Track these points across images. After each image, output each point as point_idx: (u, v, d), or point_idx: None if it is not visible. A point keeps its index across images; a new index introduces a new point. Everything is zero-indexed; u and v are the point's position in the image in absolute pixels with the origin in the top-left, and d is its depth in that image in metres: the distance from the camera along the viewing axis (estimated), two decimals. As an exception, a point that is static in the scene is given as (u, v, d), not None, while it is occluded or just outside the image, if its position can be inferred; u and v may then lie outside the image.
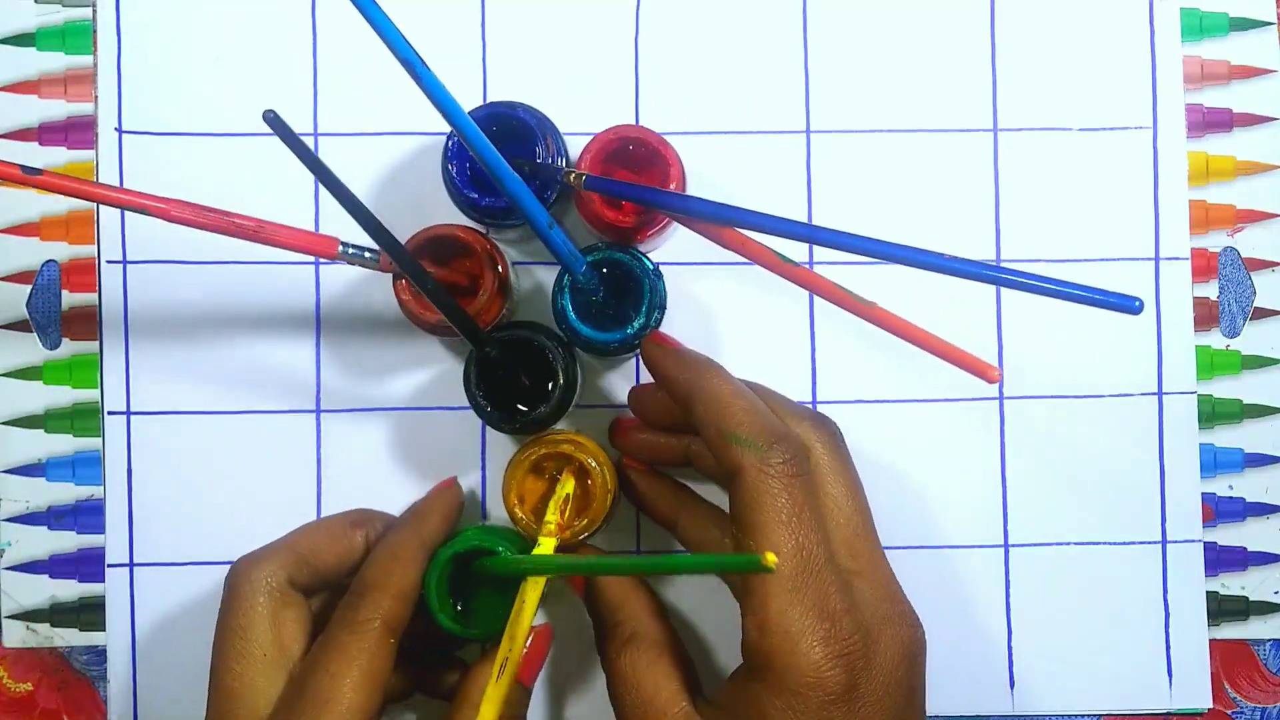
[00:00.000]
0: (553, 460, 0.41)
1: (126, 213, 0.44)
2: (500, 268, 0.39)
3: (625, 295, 0.40)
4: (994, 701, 0.44)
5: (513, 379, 0.40)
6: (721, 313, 0.44)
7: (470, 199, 0.40)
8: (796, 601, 0.34)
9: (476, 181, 0.40)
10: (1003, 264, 0.45)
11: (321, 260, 0.44)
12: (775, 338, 0.44)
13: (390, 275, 0.39)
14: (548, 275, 0.44)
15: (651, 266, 0.40)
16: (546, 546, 0.39)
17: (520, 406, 0.40)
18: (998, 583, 0.44)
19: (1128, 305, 0.31)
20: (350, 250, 0.37)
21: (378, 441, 0.44)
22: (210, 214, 0.36)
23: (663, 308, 0.40)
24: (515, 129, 0.40)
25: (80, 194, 0.34)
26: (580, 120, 0.44)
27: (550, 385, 0.40)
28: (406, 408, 0.44)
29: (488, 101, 0.41)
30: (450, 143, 0.40)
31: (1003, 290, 0.44)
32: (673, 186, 0.40)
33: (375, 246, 0.38)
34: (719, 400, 0.36)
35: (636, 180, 0.40)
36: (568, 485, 0.41)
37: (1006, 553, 0.44)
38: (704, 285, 0.44)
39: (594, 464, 0.40)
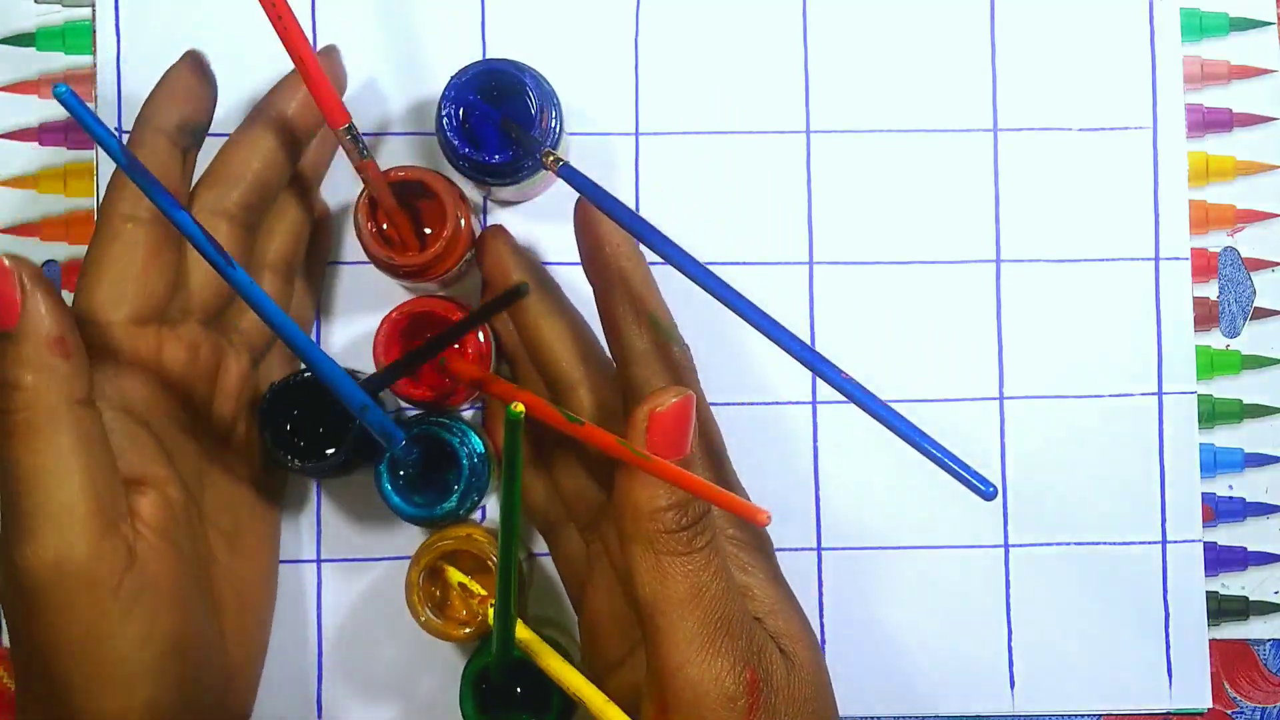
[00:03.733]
0: (435, 572, 0.40)
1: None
2: (463, 220, 0.39)
3: (450, 469, 0.40)
4: (994, 701, 0.44)
5: (311, 420, 0.39)
6: (718, 318, 0.44)
7: (452, 144, 0.39)
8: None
9: (466, 132, 0.40)
10: (1003, 264, 0.45)
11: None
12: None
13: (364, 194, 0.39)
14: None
15: (480, 450, 0.40)
16: (525, 631, 0.37)
17: (296, 445, 0.39)
18: (998, 583, 0.44)
19: (983, 489, 0.33)
20: (351, 135, 0.37)
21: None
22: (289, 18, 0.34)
23: (482, 491, 0.40)
24: (514, 89, 0.39)
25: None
26: (580, 120, 0.44)
27: (330, 450, 0.39)
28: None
29: (496, 57, 0.40)
30: (448, 89, 0.39)
31: (1002, 290, 0.44)
32: (470, 352, 0.40)
33: (369, 151, 0.37)
34: (649, 288, 0.38)
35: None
36: (452, 575, 0.40)
37: (1006, 553, 0.44)
38: (697, 306, 0.44)
39: (474, 537, 0.40)
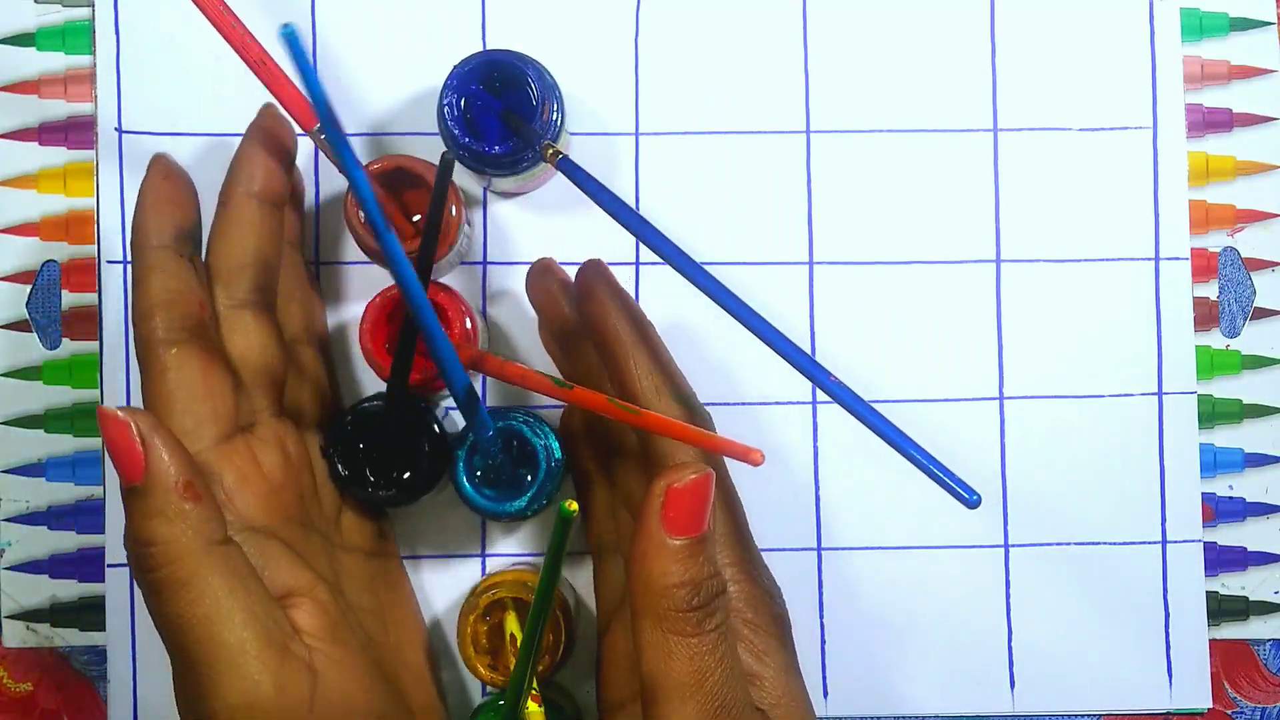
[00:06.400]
0: (495, 607, 0.40)
1: (126, 205, 0.44)
2: (454, 210, 0.39)
3: (523, 467, 0.40)
4: (994, 701, 0.44)
5: (381, 448, 0.39)
6: (720, 317, 0.44)
7: (452, 134, 0.39)
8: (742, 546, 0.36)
9: (467, 122, 0.40)
10: (1003, 264, 0.45)
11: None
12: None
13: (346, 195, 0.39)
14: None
15: (558, 455, 0.39)
16: (537, 714, 0.37)
17: (369, 475, 0.39)
18: (998, 583, 0.44)
19: (967, 498, 0.33)
20: (325, 134, 0.37)
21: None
22: (233, 21, 0.34)
23: (552, 495, 0.40)
24: (516, 80, 0.39)
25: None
26: (580, 120, 0.44)
27: (407, 474, 0.39)
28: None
29: (500, 49, 0.40)
30: (451, 78, 0.39)
31: (1002, 290, 0.44)
32: (456, 333, 0.40)
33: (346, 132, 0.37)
34: (660, 358, 0.38)
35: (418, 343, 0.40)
36: (511, 624, 0.39)
37: (1006, 553, 0.44)
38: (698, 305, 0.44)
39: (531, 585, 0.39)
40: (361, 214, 0.39)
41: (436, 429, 0.39)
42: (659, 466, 0.36)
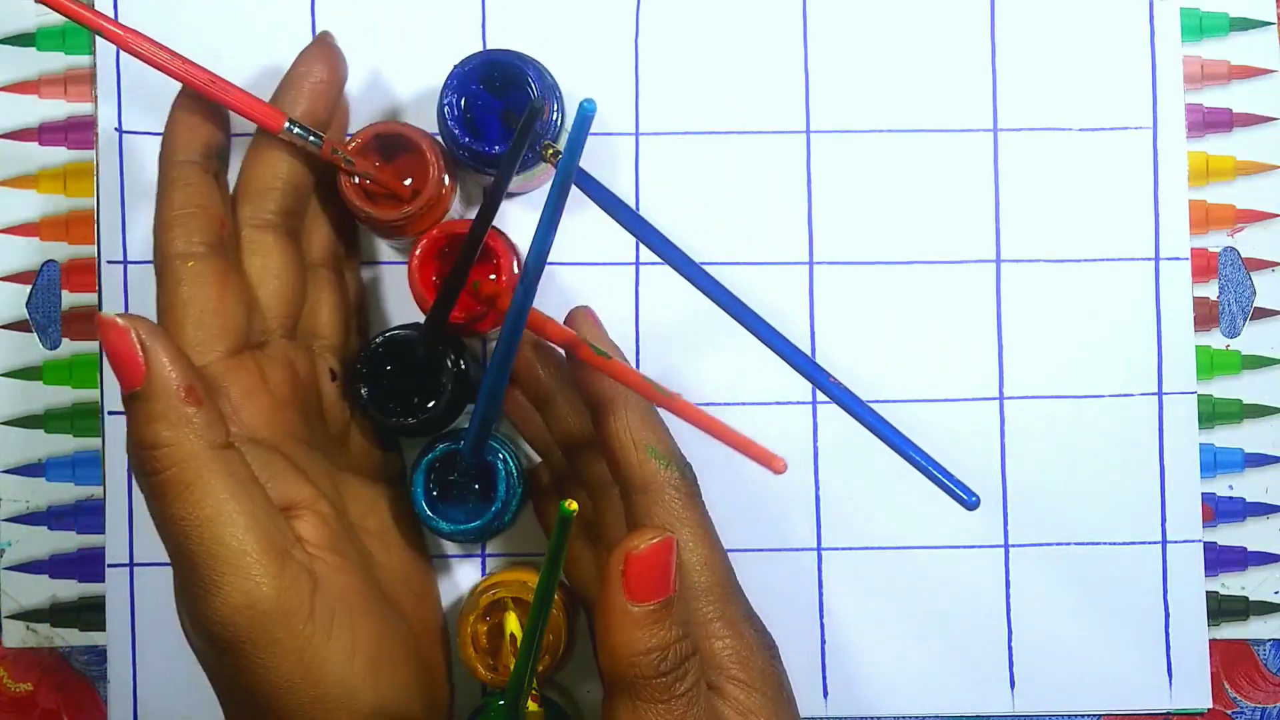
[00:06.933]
0: (495, 607, 0.40)
1: (126, 205, 0.44)
2: (447, 179, 0.39)
3: (485, 483, 0.40)
4: (994, 701, 0.44)
5: (405, 377, 0.40)
6: (719, 317, 0.44)
7: (453, 134, 0.39)
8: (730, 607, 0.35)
9: (467, 122, 0.40)
10: (1003, 264, 0.45)
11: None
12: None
13: (335, 168, 0.39)
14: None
15: (519, 492, 0.40)
16: (537, 714, 0.37)
17: (394, 405, 0.40)
18: (998, 583, 0.44)
19: (965, 499, 0.34)
20: (295, 130, 0.37)
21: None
22: (167, 55, 0.36)
23: (504, 525, 0.40)
24: (517, 80, 0.40)
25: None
26: (580, 120, 0.44)
27: (430, 404, 0.39)
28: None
29: (501, 49, 0.40)
30: (451, 78, 0.39)
31: (1003, 291, 0.44)
32: (504, 279, 0.40)
33: (320, 132, 0.38)
34: (642, 412, 0.37)
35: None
36: (511, 624, 0.39)
37: (1006, 553, 0.44)
38: (698, 306, 0.44)
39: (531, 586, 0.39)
40: (353, 186, 0.39)
41: (463, 368, 0.39)
42: (634, 528, 0.36)
